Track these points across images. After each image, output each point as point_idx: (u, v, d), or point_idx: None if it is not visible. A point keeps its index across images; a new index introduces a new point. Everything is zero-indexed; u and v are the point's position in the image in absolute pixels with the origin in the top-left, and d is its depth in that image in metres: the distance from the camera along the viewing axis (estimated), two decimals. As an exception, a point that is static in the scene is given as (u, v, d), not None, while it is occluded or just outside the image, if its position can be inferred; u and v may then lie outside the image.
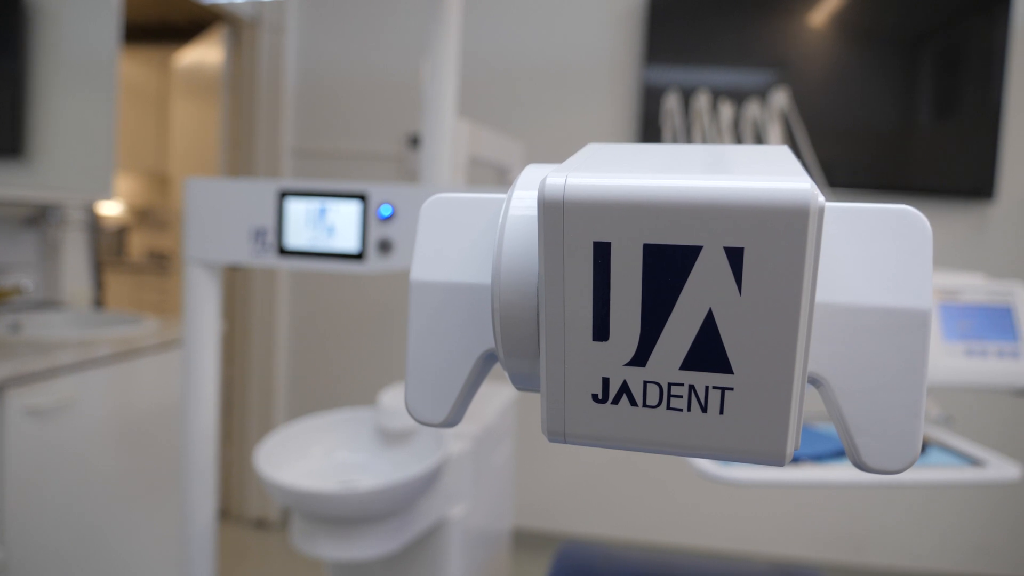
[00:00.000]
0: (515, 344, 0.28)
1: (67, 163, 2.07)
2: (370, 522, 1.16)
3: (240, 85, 2.84)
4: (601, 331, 0.25)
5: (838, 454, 1.12)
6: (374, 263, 1.10)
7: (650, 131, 2.47)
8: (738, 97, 1.90)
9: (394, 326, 2.76)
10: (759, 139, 1.67)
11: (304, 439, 1.31)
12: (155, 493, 1.94)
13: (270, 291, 2.83)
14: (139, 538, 1.89)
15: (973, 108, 2.37)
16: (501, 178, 1.94)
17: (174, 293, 4.01)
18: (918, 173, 2.41)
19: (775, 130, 1.64)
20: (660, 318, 0.24)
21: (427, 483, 1.18)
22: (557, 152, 2.60)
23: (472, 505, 1.41)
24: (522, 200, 0.28)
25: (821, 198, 0.22)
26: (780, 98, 1.63)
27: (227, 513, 2.92)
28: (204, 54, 3.09)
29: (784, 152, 0.29)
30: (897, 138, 2.41)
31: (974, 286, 1.10)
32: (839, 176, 2.36)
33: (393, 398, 1.34)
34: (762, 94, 2.03)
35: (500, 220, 0.28)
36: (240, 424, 2.89)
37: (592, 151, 0.30)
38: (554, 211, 0.24)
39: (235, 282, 2.86)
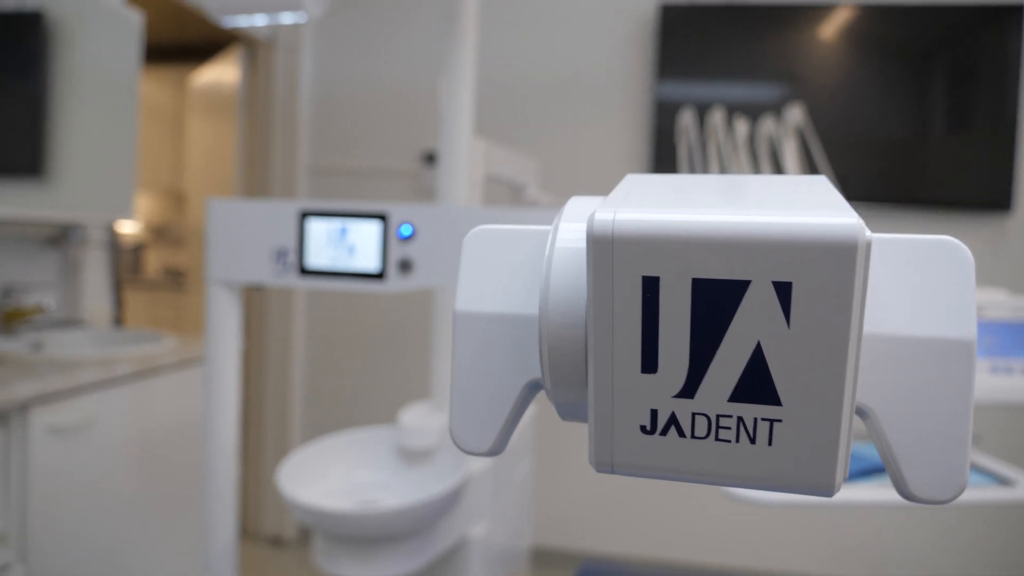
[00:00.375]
0: (562, 375, 0.28)
1: (88, 183, 2.10)
2: (391, 542, 1.16)
3: (256, 104, 2.88)
4: (649, 363, 0.25)
5: (865, 473, 1.11)
6: (394, 282, 1.11)
7: (664, 147, 2.47)
8: (752, 112, 1.91)
9: (410, 344, 2.77)
10: (775, 155, 1.67)
11: (325, 458, 1.31)
12: (174, 511, 1.95)
13: (286, 309, 2.85)
14: (159, 556, 1.90)
15: (987, 119, 2.36)
16: (516, 196, 1.94)
17: (189, 310, 4.04)
18: (933, 185, 2.40)
19: (790, 145, 1.64)
20: (709, 351, 0.25)
21: (448, 502, 1.18)
22: (571, 169, 2.61)
23: (492, 523, 1.41)
24: (568, 232, 0.28)
25: (868, 233, 0.23)
26: (795, 114, 1.63)
27: (243, 531, 2.93)
28: (220, 73, 3.12)
29: (823, 183, 0.30)
30: (911, 150, 2.41)
31: (997, 302, 1.10)
32: (854, 189, 2.36)
33: (413, 417, 1.35)
34: (776, 109, 2.03)
35: (547, 252, 0.28)
36: (256, 442, 2.90)
37: (633, 183, 0.30)
38: (603, 246, 0.24)
39: (251, 300, 2.88)
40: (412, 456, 1.35)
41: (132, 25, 2.20)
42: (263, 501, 2.90)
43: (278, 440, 2.88)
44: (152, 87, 4.30)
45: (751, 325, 0.24)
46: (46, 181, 1.97)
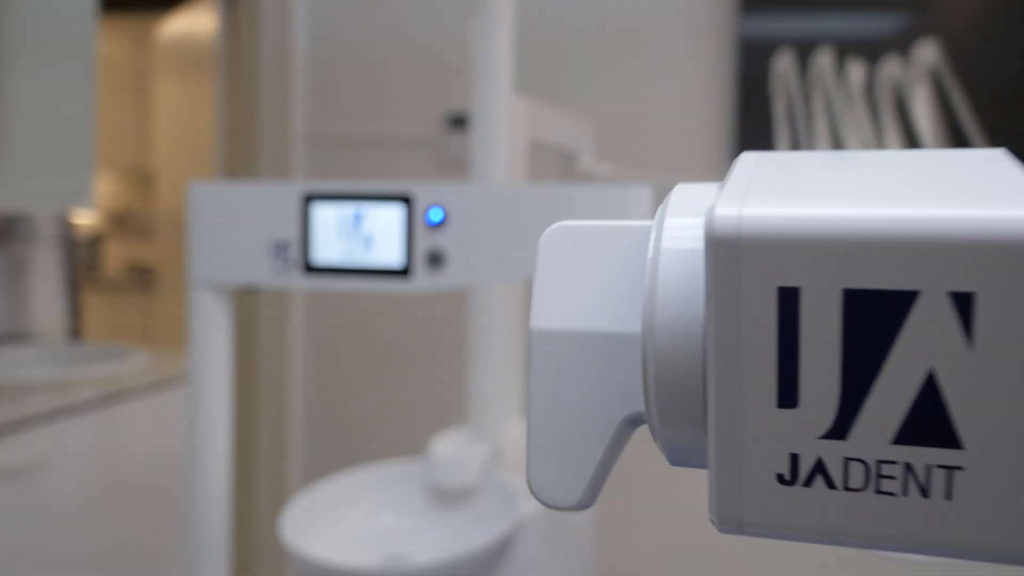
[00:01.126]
0: (673, 410, 0.28)
1: (35, 164, 2.14)
2: (424, 605, 1.17)
3: (239, 60, 2.91)
4: (788, 396, 0.25)
5: None
6: (422, 280, 1.12)
7: (753, 100, 2.45)
8: (870, 53, 1.88)
9: (436, 357, 2.78)
10: (900, 106, 1.65)
11: (339, 500, 1.33)
12: (149, 566, 1.98)
13: (282, 315, 2.88)
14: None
15: None
16: (567, 167, 1.94)
17: (161, 316, 4.10)
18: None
19: (922, 94, 1.61)
20: (865, 380, 0.24)
21: (495, 556, 1.19)
22: (634, 132, 2.60)
23: (548, 581, 1.41)
24: (677, 229, 0.28)
25: None
26: (927, 52, 1.60)
27: (234, 590, 2.97)
28: (193, 23, 3.17)
29: (1004, 160, 0.29)
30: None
31: None
32: (1003, 146, 2.31)
33: (447, 448, 1.36)
34: (901, 47, 2.00)
35: (650, 254, 0.28)
36: (246, 481, 2.94)
37: (752, 164, 0.30)
38: (727, 249, 0.24)
39: (238, 306, 2.92)
40: (447, 497, 1.36)
41: (86, -33, 2.24)
42: (257, 553, 2.95)
43: (273, 478, 2.92)
44: (109, 42, 4.37)
45: (921, 347, 0.24)
46: (-16, 163, 2.01)
